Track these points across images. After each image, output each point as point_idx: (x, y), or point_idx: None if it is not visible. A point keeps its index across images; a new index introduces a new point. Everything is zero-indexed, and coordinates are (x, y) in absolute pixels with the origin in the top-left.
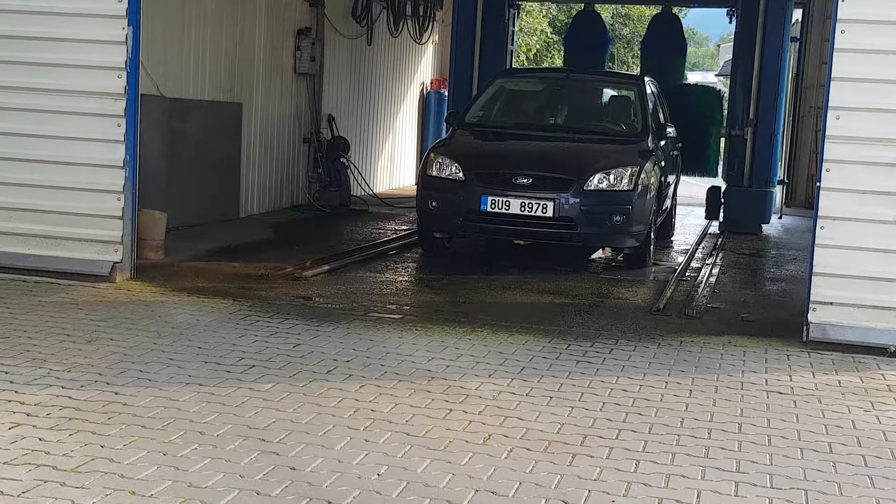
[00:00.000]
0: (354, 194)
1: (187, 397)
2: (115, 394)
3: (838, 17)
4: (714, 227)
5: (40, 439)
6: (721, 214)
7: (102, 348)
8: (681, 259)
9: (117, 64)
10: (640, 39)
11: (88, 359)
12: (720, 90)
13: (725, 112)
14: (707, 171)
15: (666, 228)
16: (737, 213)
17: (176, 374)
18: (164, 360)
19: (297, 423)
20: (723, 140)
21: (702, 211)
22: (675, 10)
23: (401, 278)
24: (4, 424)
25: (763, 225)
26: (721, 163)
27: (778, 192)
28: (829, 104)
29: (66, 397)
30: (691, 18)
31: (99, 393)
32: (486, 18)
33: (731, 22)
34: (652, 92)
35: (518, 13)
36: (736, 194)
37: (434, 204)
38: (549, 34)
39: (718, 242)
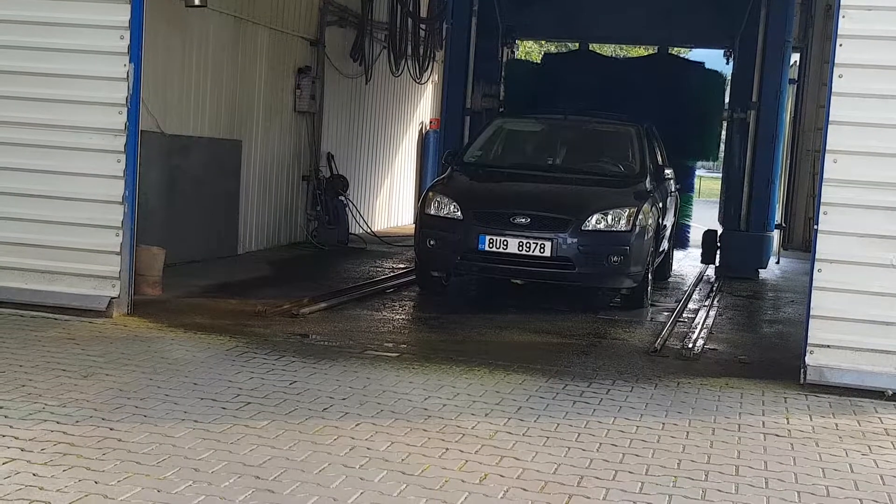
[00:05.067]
0: (352, 232)
1: (182, 434)
2: (111, 429)
3: (836, 61)
4: (711, 271)
5: (34, 475)
6: (717, 259)
7: (98, 384)
8: (678, 300)
9: (118, 100)
10: None
11: (84, 394)
12: (721, 73)
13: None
14: (707, 156)
15: (663, 270)
16: (733, 257)
17: (171, 410)
18: (160, 397)
19: (292, 461)
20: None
21: (699, 252)
22: (674, 50)
23: (398, 316)
24: None
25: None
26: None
27: (775, 237)
28: (827, 147)
29: (60, 432)
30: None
31: (94, 428)
32: (478, 57)
33: (728, 63)
34: (650, 133)
35: (513, 52)
36: (733, 238)
37: (432, 242)
38: None
39: (715, 285)
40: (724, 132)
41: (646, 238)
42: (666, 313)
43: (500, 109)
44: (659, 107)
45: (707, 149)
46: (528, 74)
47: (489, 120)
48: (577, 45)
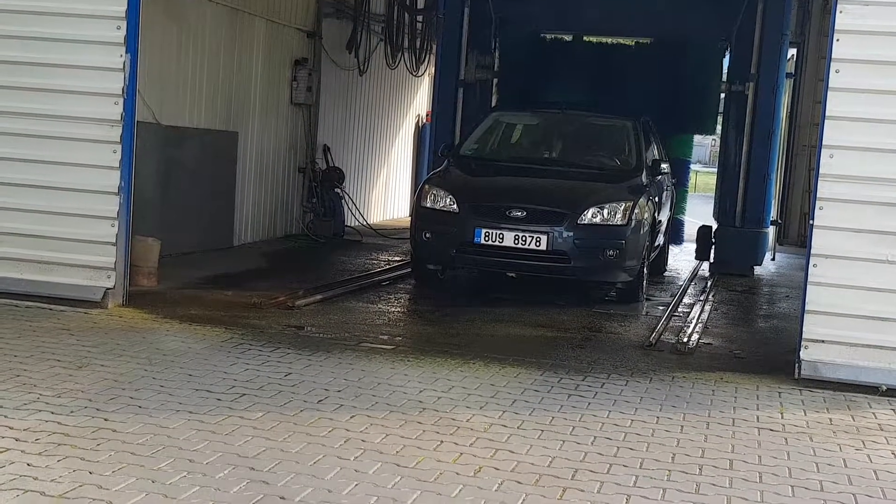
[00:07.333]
0: (348, 225)
1: (177, 425)
2: (105, 420)
3: (833, 56)
4: (706, 266)
5: (28, 465)
6: (712, 255)
7: (93, 374)
8: (673, 295)
9: (114, 91)
10: None
11: (78, 385)
12: (720, 44)
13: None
14: (705, 129)
15: (659, 264)
16: (728, 254)
17: (166, 401)
18: (155, 387)
19: (287, 453)
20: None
21: (693, 247)
22: None
23: (393, 309)
24: None
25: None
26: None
27: (771, 233)
28: (823, 143)
29: (55, 423)
30: None
31: (88, 419)
32: (471, 50)
33: (724, 56)
34: (646, 128)
35: None
36: (727, 235)
37: (428, 235)
38: None
39: (710, 280)
40: (721, 114)
41: (641, 232)
42: (661, 308)
43: (495, 80)
44: (657, 77)
45: (705, 121)
46: (524, 43)
47: (486, 112)
48: (570, 37)
